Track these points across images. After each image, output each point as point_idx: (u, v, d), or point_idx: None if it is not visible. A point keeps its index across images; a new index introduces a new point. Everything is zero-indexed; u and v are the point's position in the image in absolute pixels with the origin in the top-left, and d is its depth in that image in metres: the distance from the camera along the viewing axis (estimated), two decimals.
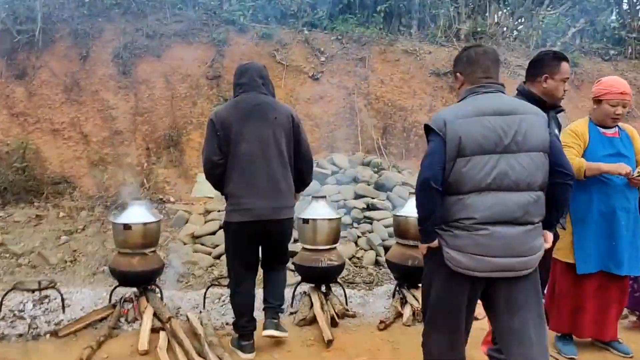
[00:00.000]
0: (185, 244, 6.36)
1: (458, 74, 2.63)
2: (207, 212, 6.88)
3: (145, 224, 4.46)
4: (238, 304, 3.67)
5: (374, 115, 8.00)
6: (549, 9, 9.77)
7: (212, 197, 7.29)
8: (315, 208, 4.75)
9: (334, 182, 6.84)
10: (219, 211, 6.69)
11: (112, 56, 8.35)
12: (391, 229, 6.07)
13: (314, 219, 4.65)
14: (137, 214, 4.54)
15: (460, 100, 2.55)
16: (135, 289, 4.48)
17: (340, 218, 4.77)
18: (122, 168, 7.65)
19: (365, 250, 5.89)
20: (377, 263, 5.85)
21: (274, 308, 3.69)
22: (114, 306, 4.33)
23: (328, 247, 4.68)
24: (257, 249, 3.67)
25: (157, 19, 8.96)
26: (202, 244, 6.29)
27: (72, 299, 4.60)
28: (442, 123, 2.41)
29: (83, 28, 8.52)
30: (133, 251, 4.42)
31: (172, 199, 7.45)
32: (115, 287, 4.53)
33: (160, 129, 8.06)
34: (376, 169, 7.10)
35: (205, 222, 6.64)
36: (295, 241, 5.88)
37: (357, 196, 6.51)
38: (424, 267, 2.67)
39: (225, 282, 5.03)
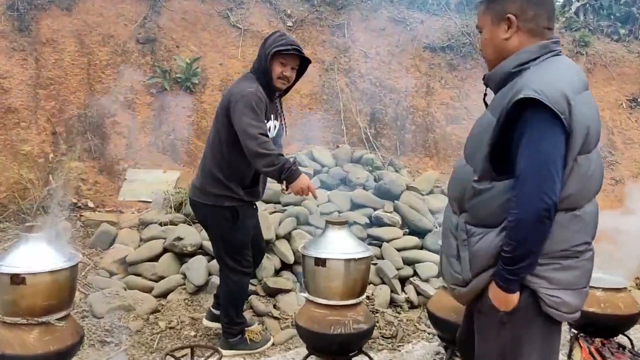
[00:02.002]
0: (112, 275, 4.43)
1: (511, 16, 1.79)
2: (143, 224, 4.94)
3: (52, 272, 2.63)
4: None
5: (359, 97, 6.33)
6: None
7: (149, 202, 5.35)
8: (331, 240, 3.04)
9: (318, 184, 5.12)
10: (161, 224, 4.79)
11: (4, 7, 6.14)
12: (406, 253, 4.49)
13: (333, 259, 2.94)
14: (37, 252, 2.71)
15: (530, 61, 1.73)
16: None
17: (371, 256, 3.08)
18: (17, 160, 5.55)
19: (375, 286, 4.25)
20: (392, 303, 4.22)
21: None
22: None
23: (353, 301, 3.00)
24: None
25: None
26: (139, 275, 4.38)
27: None
28: (564, 100, 1.62)
29: None
30: (28, 321, 2.61)
31: (90, 204, 5.45)
32: None
33: (72, 107, 6.01)
34: (370, 168, 5.45)
35: (142, 240, 4.72)
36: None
37: (355, 206, 4.83)
38: (495, 334, 1.80)
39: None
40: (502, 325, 1.78)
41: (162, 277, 4.30)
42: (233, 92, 3.19)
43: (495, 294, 1.74)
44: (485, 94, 1.96)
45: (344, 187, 5.14)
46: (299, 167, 3.12)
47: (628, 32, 7.68)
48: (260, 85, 3.19)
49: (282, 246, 4.38)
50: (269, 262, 4.25)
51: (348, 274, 2.93)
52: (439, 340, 3.45)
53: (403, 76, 6.50)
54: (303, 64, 3.35)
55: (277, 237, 4.42)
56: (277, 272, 4.32)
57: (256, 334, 3.53)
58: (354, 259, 2.93)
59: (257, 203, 3.50)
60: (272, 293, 4.16)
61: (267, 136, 3.10)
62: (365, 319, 3.02)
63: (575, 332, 3.39)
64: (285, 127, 3.56)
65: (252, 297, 4.07)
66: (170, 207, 5.02)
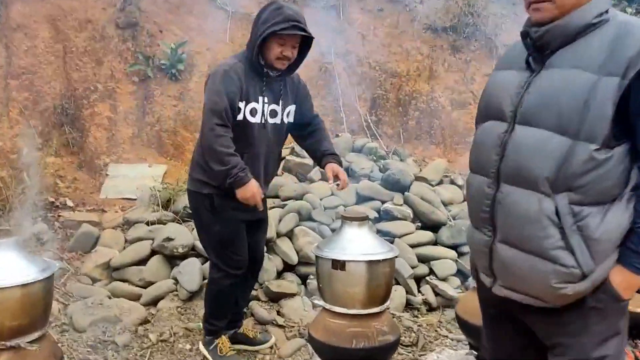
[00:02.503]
0: (95, 281, 3.98)
1: None
2: (128, 224, 4.49)
3: (22, 285, 2.23)
4: None
5: (358, 82, 5.91)
6: None
7: (133, 199, 4.90)
8: (349, 239, 2.64)
9: (319, 176, 4.71)
10: (148, 223, 4.35)
11: None
12: (421, 250, 4.12)
13: (353, 262, 2.54)
14: (5, 261, 2.36)
15: (604, 13, 1.49)
16: None
17: (395, 257, 2.69)
18: None
19: None
20: (409, 305, 3.83)
21: None
22: None
23: (377, 309, 2.61)
24: None
25: None
26: (125, 281, 3.94)
27: None
28: None
29: None
30: None
31: (69, 203, 4.98)
32: None
33: (47, 98, 5.53)
34: (374, 157, 5.05)
35: (127, 241, 4.27)
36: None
37: (361, 198, 4.43)
38: (613, 329, 1.54)
39: None
40: (622, 317, 1.54)
41: (150, 283, 3.87)
42: (210, 71, 2.94)
43: (627, 280, 1.47)
44: (529, 55, 1.58)
45: (348, 178, 4.72)
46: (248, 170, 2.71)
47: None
48: (246, 62, 2.78)
49: (284, 245, 3.97)
50: (270, 264, 3.83)
51: (371, 278, 2.54)
52: (470, 348, 3.07)
53: (404, 59, 6.09)
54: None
55: (278, 235, 4.01)
56: (279, 275, 3.91)
57: (228, 348, 3.10)
58: (378, 261, 2.53)
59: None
60: (275, 298, 3.75)
61: (228, 127, 2.70)
62: (391, 329, 2.63)
63: None
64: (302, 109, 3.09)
65: (254, 303, 3.67)
66: (158, 205, 4.57)
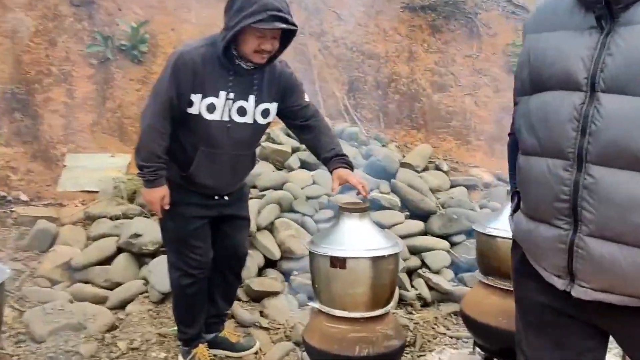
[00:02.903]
0: (54, 284, 3.58)
1: None
2: (90, 219, 4.09)
3: None
4: None
5: (334, 64, 5.60)
6: None
7: (95, 192, 4.49)
8: (348, 233, 2.34)
9: (298, 164, 4.39)
10: (112, 218, 3.96)
11: None
12: (411, 241, 3.89)
13: (355, 258, 2.25)
14: None
15: None
16: None
17: (399, 253, 2.41)
18: None
19: None
20: (402, 301, 3.57)
21: None
22: None
23: (381, 311, 2.33)
24: None
25: None
26: (89, 283, 3.56)
27: None
28: None
29: None
30: None
31: (23, 197, 4.54)
32: None
33: None
34: (355, 143, 4.76)
35: (90, 239, 3.87)
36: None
37: (344, 187, 4.09)
38: None
39: None
40: None
41: (118, 284, 3.51)
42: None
43: None
44: (604, 13, 1.29)
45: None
46: (163, 178, 2.50)
47: None
48: (212, 50, 2.39)
49: (265, 239, 3.66)
50: (250, 260, 3.50)
51: (376, 277, 2.26)
52: (474, 346, 2.83)
53: (382, 40, 5.82)
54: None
55: (258, 229, 3.69)
56: (260, 271, 3.59)
57: (207, 358, 2.80)
58: (383, 257, 2.25)
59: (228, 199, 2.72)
60: (257, 297, 3.44)
61: (167, 119, 2.41)
62: (396, 332, 2.36)
63: None
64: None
65: (234, 304, 3.34)
66: (123, 197, 4.19)
